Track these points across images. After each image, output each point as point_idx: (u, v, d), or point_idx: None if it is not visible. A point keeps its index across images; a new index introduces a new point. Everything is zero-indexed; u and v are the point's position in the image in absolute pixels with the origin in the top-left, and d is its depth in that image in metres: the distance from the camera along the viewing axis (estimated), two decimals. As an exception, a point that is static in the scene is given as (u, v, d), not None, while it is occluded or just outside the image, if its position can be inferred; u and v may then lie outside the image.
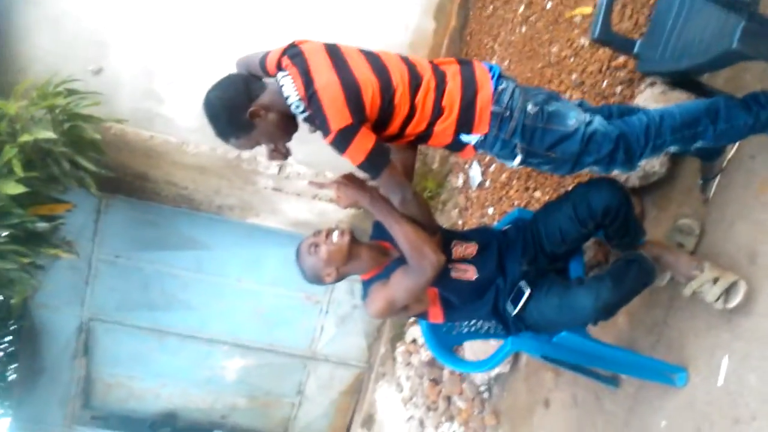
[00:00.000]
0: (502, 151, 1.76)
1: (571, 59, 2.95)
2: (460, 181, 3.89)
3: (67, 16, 3.62)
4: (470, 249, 2.04)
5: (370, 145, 1.65)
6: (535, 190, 3.11)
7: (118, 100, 3.74)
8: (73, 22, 3.64)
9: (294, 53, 1.76)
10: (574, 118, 1.74)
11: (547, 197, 3.00)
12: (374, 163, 1.68)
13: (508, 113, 1.72)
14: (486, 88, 1.75)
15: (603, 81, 2.71)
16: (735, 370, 1.89)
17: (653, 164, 2.36)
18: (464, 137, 1.77)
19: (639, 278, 1.89)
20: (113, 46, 3.71)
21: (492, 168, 3.48)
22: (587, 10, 2.92)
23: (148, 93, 3.81)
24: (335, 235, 1.88)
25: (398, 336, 4.46)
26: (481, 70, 1.80)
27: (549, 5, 3.20)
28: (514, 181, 3.25)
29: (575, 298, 1.83)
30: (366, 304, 1.93)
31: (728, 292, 1.89)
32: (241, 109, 1.71)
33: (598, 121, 1.75)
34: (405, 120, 1.74)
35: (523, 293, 1.96)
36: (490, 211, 3.42)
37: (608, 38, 1.95)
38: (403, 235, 1.77)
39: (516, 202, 3.19)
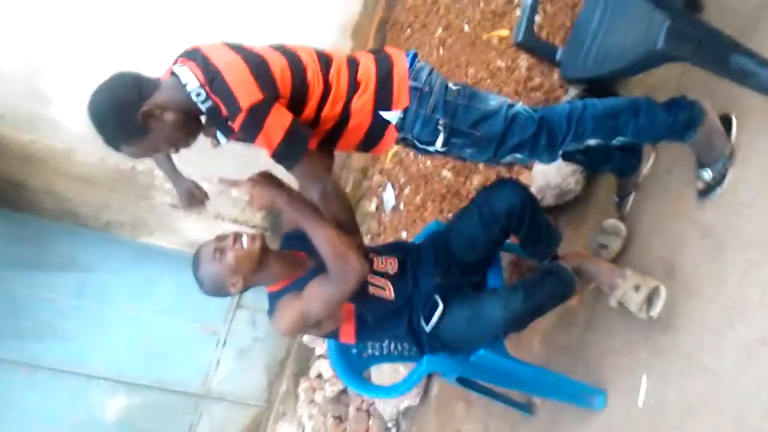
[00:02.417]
0: (424, 129, 1.63)
1: (488, 81, 2.93)
2: (373, 206, 3.75)
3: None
4: (392, 263, 1.88)
5: (288, 123, 1.48)
6: (449, 212, 3.02)
7: (-3, 100, 3.34)
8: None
9: (187, 52, 1.59)
10: (495, 100, 1.67)
11: (462, 219, 2.91)
12: (293, 144, 1.49)
13: (427, 88, 1.61)
14: (401, 62, 1.65)
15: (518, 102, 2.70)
16: (654, 389, 1.80)
17: (568, 182, 2.33)
18: (384, 114, 1.63)
19: (555, 290, 1.80)
20: (-5, 38, 3.32)
21: (407, 190, 3.37)
22: (504, 33, 2.93)
23: (32, 92, 3.43)
24: (245, 240, 1.66)
25: (302, 371, 4.17)
26: (394, 50, 1.71)
27: (466, 28, 3.20)
28: (429, 203, 3.14)
29: (484, 307, 1.72)
30: (274, 319, 1.71)
31: (650, 299, 1.83)
32: (133, 109, 1.48)
33: (519, 106, 1.69)
34: (321, 100, 1.58)
35: (436, 308, 1.82)
36: (404, 235, 3.29)
37: (531, 43, 1.90)
38: (325, 237, 1.58)
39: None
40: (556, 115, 1.70)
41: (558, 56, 1.94)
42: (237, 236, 1.68)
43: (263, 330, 4.27)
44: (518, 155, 1.70)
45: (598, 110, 1.70)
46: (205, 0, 3.53)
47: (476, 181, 2.88)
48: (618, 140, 1.74)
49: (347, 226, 1.66)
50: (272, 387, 4.44)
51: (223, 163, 3.66)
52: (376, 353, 2.11)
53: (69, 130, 3.50)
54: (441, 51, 3.30)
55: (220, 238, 1.70)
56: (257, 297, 4.15)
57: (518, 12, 2.93)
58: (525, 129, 1.65)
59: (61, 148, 3.51)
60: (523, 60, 2.77)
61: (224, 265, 1.65)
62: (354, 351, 2.11)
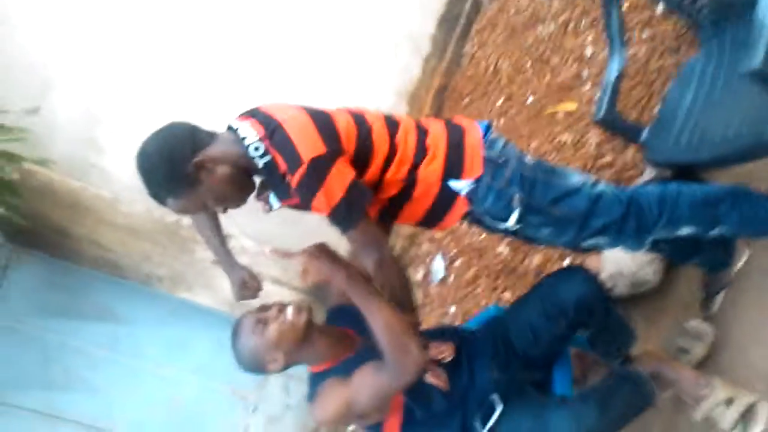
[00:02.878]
0: (496, 204, 1.47)
1: (553, 155, 2.77)
2: (419, 275, 3.56)
3: (8, 42, 3.27)
4: (447, 351, 1.69)
5: (350, 180, 1.35)
6: (504, 290, 2.82)
7: (52, 144, 3.32)
8: (19, 55, 3.29)
9: (248, 111, 1.52)
10: (577, 176, 1.52)
11: (518, 299, 2.70)
12: (353, 204, 1.36)
13: (502, 159, 1.48)
14: (474, 131, 1.52)
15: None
16: None
17: (646, 272, 2.11)
18: (454, 184, 1.48)
19: (632, 401, 1.58)
20: (57, 84, 3.34)
21: (458, 262, 3.18)
22: (572, 106, 2.79)
23: (88, 141, 3.42)
24: (290, 312, 1.52)
25: (333, 445, 3.91)
26: (465, 119, 1.60)
27: (530, 100, 3.07)
28: (482, 278, 2.95)
29: (551, 420, 1.50)
30: (314, 405, 1.53)
31: (745, 416, 1.58)
32: (184, 160, 1.40)
33: (604, 184, 1.53)
34: (385, 161, 1.45)
35: (494, 409, 1.61)
36: (452, 310, 3.09)
37: (613, 121, 1.75)
38: (384, 322, 1.40)
39: (483, 302, 2.87)
40: (646, 198, 1.52)
41: (643, 137, 1.77)
42: (281, 307, 1.54)
43: (296, 398, 4.04)
44: (601, 240, 1.52)
45: (697, 196, 1.51)
46: (268, 64, 3.52)
47: (536, 260, 2.69)
48: (716, 231, 1.54)
49: (403, 302, 1.49)
50: (300, 459, 4.18)
51: (267, 221, 3.57)
52: (422, 452, 1.89)
53: (117, 179, 3.46)
54: (501, 121, 3.17)
55: (263, 308, 1.56)
56: (292, 362, 3.97)
57: (587, 86, 2.79)
58: (611, 210, 1.48)
59: (108, 198, 3.46)
60: (593, 135, 2.61)
61: (265, 339, 1.50)
62: None
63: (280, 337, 1.50)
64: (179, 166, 1.39)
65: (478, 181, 1.47)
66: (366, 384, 1.46)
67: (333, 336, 1.63)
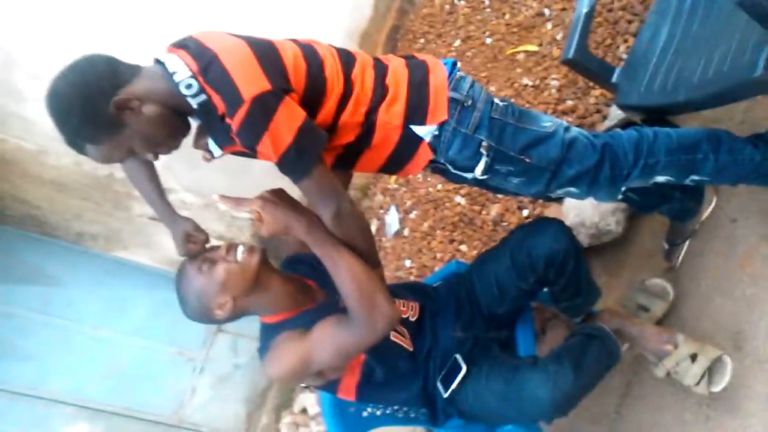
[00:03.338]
0: (463, 152, 1.32)
1: (512, 100, 2.63)
2: (373, 228, 3.43)
3: None
4: (413, 309, 1.57)
5: (300, 121, 1.17)
6: (461, 243, 2.71)
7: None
8: None
9: (179, 41, 1.29)
10: (550, 121, 1.37)
11: (475, 252, 2.60)
12: (305, 149, 1.18)
13: (470, 102, 1.31)
14: (439, 70, 1.35)
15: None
16: (717, 484, 1.50)
17: (608, 221, 2.03)
18: (417, 129, 1.31)
19: (602, 360, 1.50)
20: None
21: (412, 214, 3.05)
22: (533, 47, 2.64)
23: (5, 87, 3.08)
24: (240, 251, 1.34)
25: (285, 404, 3.82)
26: (428, 56, 1.41)
27: (488, 41, 2.91)
28: (438, 231, 2.83)
29: (527, 385, 1.39)
30: (268, 360, 1.37)
31: (711, 371, 1.53)
32: (104, 98, 1.18)
33: (577, 130, 1.39)
34: (340, 101, 1.27)
35: (458, 370, 1.51)
36: (407, 263, 2.97)
37: (584, 60, 1.60)
38: (350, 274, 1.25)
39: (438, 255, 2.76)
40: (621, 144, 1.40)
41: (614, 78, 1.64)
42: (231, 246, 1.36)
43: (245, 357, 3.91)
44: (573, 189, 1.40)
45: (673, 142, 1.40)
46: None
47: (494, 210, 2.58)
48: (692, 179, 1.45)
49: (366, 256, 1.33)
50: (251, 419, 4.07)
51: (208, 171, 3.34)
52: (378, 413, 1.79)
53: (42, 130, 3.13)
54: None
55: (211, 248, 1.38)
56: (241, 321, 3.81)
57: (549, 26, 2.64)
58: (584, 158, 1.36)
59: (33, 150, 3.15)
60: (554, 79, 2.48)
61: (212, 280, 1.33)
62: (352, 409, 1.79)
63: (228, 277, 1.33)
64: (98, 105, 1.18)
65: (442, 127, 1.31)
66: (327, 339, 1.30)
67: (289, 284, 1.45)
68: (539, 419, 1.44)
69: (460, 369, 1.52)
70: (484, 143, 1.30)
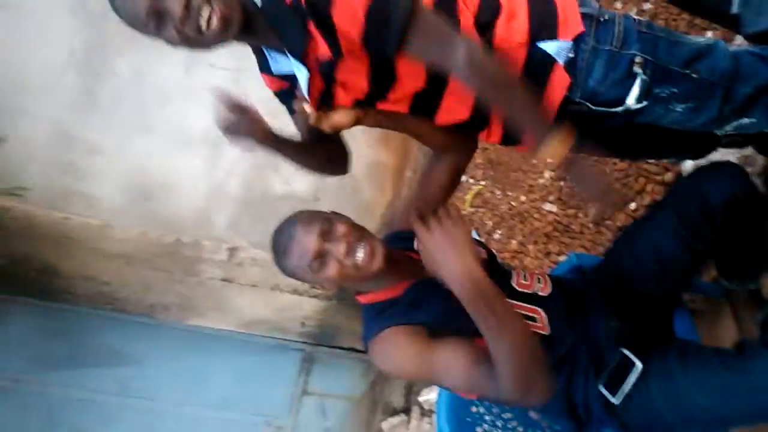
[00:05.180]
0: (610, 75, 1.09)
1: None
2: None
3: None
4: (542, 280, 1.31)
5: None
6: (559, 254, 2.45)
7: (25, 174, 2.99)
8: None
9: None
10: (702, 38, 1.16)
11: (579, 260, 2.33)
12: None
13: (606, 17, 1.10)
14: None
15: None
16: None
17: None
18: (546, 46, 1.09)
19: None
20: (25, 110, 2.99)
21: (496, 235, 2.82)
22: None
23: (65, 166, 3.07)
24: (360, 254, 1.13)
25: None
26: None
27: None
28: (530, 246, 2.59)
29: (754, 372, 1.08)
30: (378, 353, 1.19)
31: None
32: None
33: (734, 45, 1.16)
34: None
35: (630, 367, 1.21)
36: (500, 288, 2.72)
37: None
38: (510, 343, 1.06)
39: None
40: None
41: (735, 8, 1.42)
42: (351, 240, 1.13)
43: (334, 418, 3.65)
44: (748, 119, 1.15)
45: None
46: None
47: (592, 213, 2.33)
48: None
49: (518, 100, 1.07)
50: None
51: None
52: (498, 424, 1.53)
53: (106, 204, 3.12)
54: None
55: (325, 232, 1.13)
56: (325, 380, 3.58)
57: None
58: (758, 72, 1.11)
59: (97, 225, 3.11)
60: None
61: (324, 277, 1.15)
62: (468, 419, 1.52)
63: (340, 279, 1.15)
64: None
65: (578, 44, 1.10)
66: (460, 373, 1.11)
67: (397, 262, 1.24)
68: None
69: (633, 366, 1.21)
70: (637, 59, 1.08)
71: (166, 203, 3.14)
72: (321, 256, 1.12)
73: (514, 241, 2.70)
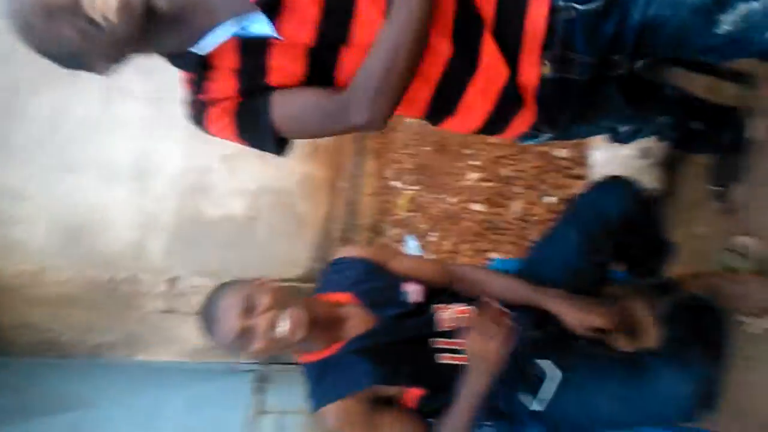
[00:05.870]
0: None
1: None
2: (394, 264, 3.26)
3: None
4: (464, 313, 1.38)
5: None
6: (491, 251, 2.54)
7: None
8: None
9: None
10: None
11: (510, 257, 2.42)
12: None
13: None
14: None
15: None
16: None
17: (644, 181, 1.87)
18: None
19: (723, 331, 1.30)
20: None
21: (432, 237, 2.89)
22: None
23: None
24: (283, 326, 1.18)
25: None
26: None
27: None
28: (462, 245, 2.67)
29: (658, 381, 1.17)
30: (322, 417, 1.27)
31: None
32: None
33: None
34: None
35: (544, 376, 1.29)
36: (440, 289, 2.79)
37: None
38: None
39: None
40: None
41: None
42: (273, 314, 1.17)
43: (295, 434, 3.67)
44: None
45: None
46: None
47: (516, 206, 2.42)
48: None
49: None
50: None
51: (219, 250, 3.21)
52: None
53: (38, 248, 3.05)
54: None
55: (247, 309, 1.17)
56: (280, 397, 3.58)
57: None
58: None
59: (31, 270, 3.03)
60: None
61: (250, 349, 1.20)
62: None
63: (266, 349, 1.21)
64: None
65: None
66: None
67: (327, 325, 1.29)
68: (681, 419, 1.20)
69: (553, 376, 1.29)
70: None
71: (98, 240, 3.08)
72: (244, 334, 1.17)
73: (448, 242, 2.77)
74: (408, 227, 3.11)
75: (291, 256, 3.35)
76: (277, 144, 1.10)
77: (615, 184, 1.37)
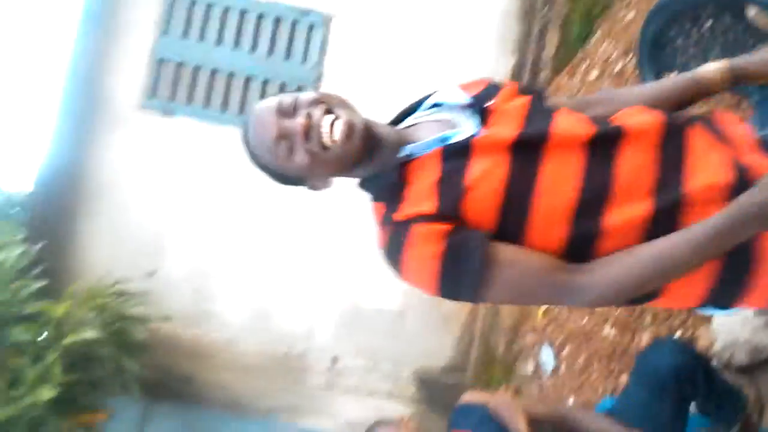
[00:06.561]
0: None
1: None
2: (530, 368, 3.50)
3: (129, 224, 3.74)
4: None
5: None
6: (620, 373, 2.71)
7: (170, 299, 3.69)
8: (135, 229, 3.75)
9: None
10: None
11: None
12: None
13: None
14: None
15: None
16: None
17: (761, 336, 2.01)
18: None
19: None
20: (170, 249, 3.76)
21: (566, 350, 3.11)
22: None
23: (200, 291, 3.76)
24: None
25: None
26: None
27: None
28: (594, 364, 2.86)
29: None
30: None
31: None
32: None
33: None
34: None
35: None
36: (570, 400, 2.99)
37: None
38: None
39: (600, 390, 2.77)
40: None
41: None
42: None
43: None
44: None
45: None
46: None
47: (645, 338, 2.60)
48: None
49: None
50: None
51: (376, 335, 3.70)
52: None
53: (230, 322, 3.75)
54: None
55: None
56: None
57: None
58: None
59: (224, 340, 3.73)
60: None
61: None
62: None
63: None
64: None
65: None
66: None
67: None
68: None
69: None
70: None
71: (278, 319, 3.74)
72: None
73: (581, 358, 2.97)
74: (545, 336, 3.36)
75: (436, 348, 3.75)
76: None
77: (662, 344, 1.61)
